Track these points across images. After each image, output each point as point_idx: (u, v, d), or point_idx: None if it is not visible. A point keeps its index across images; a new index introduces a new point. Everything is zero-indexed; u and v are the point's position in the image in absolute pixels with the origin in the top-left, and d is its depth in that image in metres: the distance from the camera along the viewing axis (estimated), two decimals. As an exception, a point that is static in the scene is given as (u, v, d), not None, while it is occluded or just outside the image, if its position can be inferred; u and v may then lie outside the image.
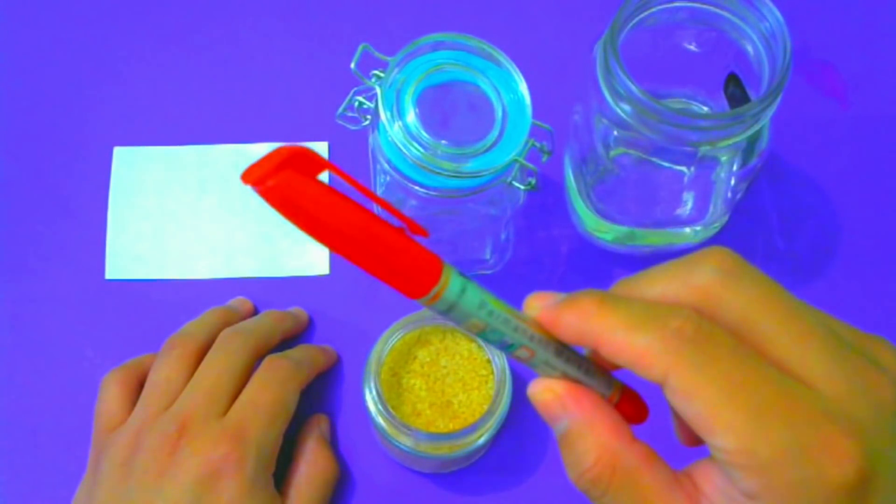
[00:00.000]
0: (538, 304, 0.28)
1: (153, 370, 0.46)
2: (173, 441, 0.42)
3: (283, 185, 0.26)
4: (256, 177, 0.26)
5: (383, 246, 0.27)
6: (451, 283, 0.27)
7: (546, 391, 0.29)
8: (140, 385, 0.47)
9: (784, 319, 0.26)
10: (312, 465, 0.47)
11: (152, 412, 0.44)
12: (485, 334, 0.28)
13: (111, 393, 0.46)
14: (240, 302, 0.52)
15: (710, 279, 0.27)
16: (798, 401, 0.25)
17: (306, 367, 0.48)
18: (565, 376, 0.29)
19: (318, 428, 0.49)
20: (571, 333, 0.28)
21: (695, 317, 0.26)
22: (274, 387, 0.45)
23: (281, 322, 0.50)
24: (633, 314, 0.26)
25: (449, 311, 0.27)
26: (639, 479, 0.28)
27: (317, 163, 0.26)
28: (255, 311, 0.52)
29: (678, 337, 0.26)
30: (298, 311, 0.52)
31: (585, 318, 0.27)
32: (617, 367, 0.29)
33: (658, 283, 0.28)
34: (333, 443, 0.50)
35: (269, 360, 0.47)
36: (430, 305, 0.27)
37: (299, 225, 0.27)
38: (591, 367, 0.29)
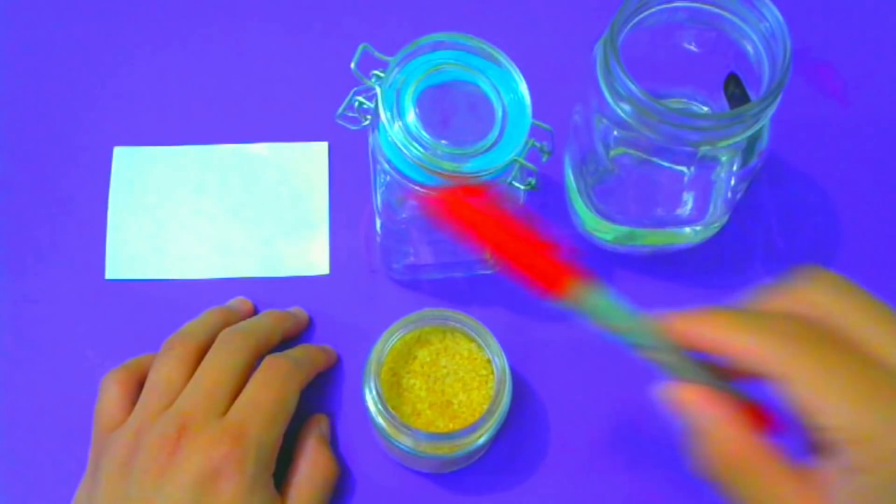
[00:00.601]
0: (672, 316, 0.33)
1: (153, 370, 0.46)
2: (173, 441, 0.42)
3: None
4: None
5: (543, 257, 0.34)
6: (597, 290, 0.34)
7: (685, 391, 0.33)
8: (140, 385, 0.47)
9: (884, 323, 0.31)
10: (312, 465, 0.47)
11: (152, 412, 0.44)
12: (625, 335, 0.34)
13: (111, 393, 0.46)
14: (240, 302, 0.52)
15: (819, 293, 0.32)
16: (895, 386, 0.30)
17: (306, 367, 0.48)
18: (696, 380, 0.34)
19: (318, 428, 0.49)
20: (701, 340, 0.32)
21: (805, 322, 0.31)
22: (274, 386, 0.45)
23: (281, 322, 0.50)
24: (755, 322, 0.31)
25: (593, 313, 0.34)
26: (767, 466, 0.32)
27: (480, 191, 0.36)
28: (255, 311, 0.52)
29: (794, 339, 0.30)
30: (298, 311, 0.52)
31: (713, 326, 0.32)
32: (741, 376, 0.33)
33: (772, 300, 0.33)
34: (333, 443, 0.50)
35: (269, 360, 0.47)
36: (578, 307, 0.34)
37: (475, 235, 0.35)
38: (717, 376, 0.34)
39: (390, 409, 0.44)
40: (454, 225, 0.35)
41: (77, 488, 0.45)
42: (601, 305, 0.34)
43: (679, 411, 0.34)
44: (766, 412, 0.34)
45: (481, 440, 0.45)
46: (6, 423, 0.51)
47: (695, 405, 0.34)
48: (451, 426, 0.45)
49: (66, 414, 0.50)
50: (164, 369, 0.46)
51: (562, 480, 0.50)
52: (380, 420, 0.44)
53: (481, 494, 0.49)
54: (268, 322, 0.49)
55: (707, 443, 0.33)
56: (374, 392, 0.44)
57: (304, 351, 0.50)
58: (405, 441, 0.44)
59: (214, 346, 0.46)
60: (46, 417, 0.51)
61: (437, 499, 0.49)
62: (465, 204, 0.35)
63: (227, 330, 0.47)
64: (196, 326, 0.48)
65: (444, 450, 0.45)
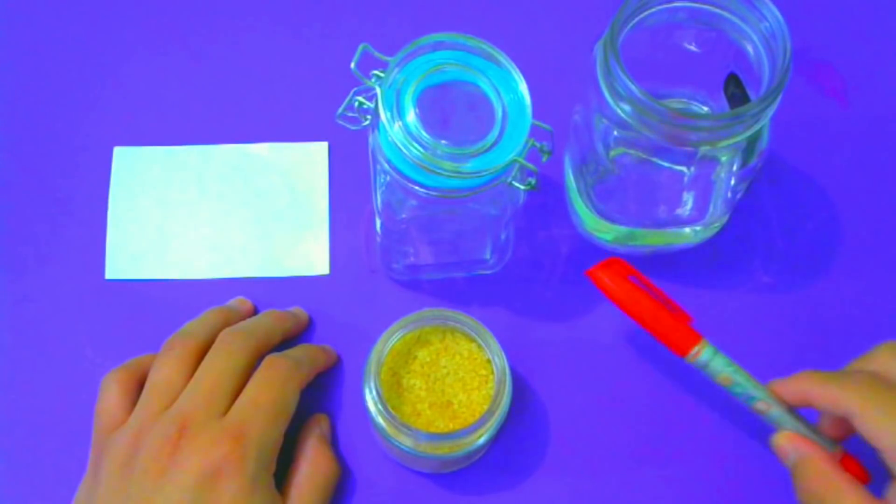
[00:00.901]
0: (777, 380, 0.44)
1: (153, 370, 0.46)
2: (174, 441, 0.42)
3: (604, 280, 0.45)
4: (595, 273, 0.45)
5: (667, 325, 0.45)
6: (706, 350, 0.44)
7: (785, 437, 0.44)
8: (140, 385, 0.47)
9: None
10: (313, 465, 0.47)
11: (152, 412, 0.44)
12: (731, 387, 0.44)
13: (111, 393, 0.46)
14: (240, 302, 0.52)
15: (886, 358, 0.42)
16: None
17: (306, 367, 0.48)
18: (796, 430, 0.44)
19: (318, 428, 0.49)
20: (798, 394, 0.43)
21: (874, 375, 0.41)
22: (274, 386, 0.45)
23: (281, 322, 0.50)
24: (836, 377, 0.42)
25: (705, 368, 0.44)
26: (846, 492, 0.40)
27: (629, 269, 0.45)
28: (255, 311, 0.52)
29: (863, 386, 0.41)
30: (298, 311, 0.52)
31: (808, 383, 0.43)
32: (841, 437, 0.44)
33: (857, 363, 0.43)
34: (333, 443, 0.50)
35: (269, 360, 0.47)
36: (692, 362, 0.44)
37: (617, 304, 0.45)
38: (816, 429, 0.44)
39: (390, 409, 0.44)
40: (606, 294, 0.45)
41: (77, 488, 0.45)
42: (720, 366, 0.44)
43: (781, 453, 0.44)
44: (859, 463, 0.44)
45: (481, 440, 0.45)
46: (6, 423, 0.51)
47: (792, 445, 0.43)
48: (451, 426, 0.45)
49: (66, 414, 0.50)
50: (165, 369, 0.46)
51: (562, 480, 0.50)
52: (380, 420, 0.44)
53: (481, 494, 0.49)
54: (268, 322, 0.49)
55: (801, 475, 0.42)
56: (374, 392, 0.44)
57: (304, 351, 0.50)
58: (405, 441, 0.44)
59: (214, 346, 0.46)
60: (46, 417, 0.51)
61: (437, 499, 0.49)
62: (615, 277, 0.45)
63: (227, 330, 0.47)
64: (196, 326, 0.48)
65: (444, 450, 0.45)
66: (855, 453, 0.44)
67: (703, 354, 0.44)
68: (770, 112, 0.42)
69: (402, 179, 0.41)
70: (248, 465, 0.42)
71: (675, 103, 0.50)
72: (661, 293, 0.46)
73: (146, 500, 0.41)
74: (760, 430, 0.47)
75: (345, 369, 0.52)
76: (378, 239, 0.51)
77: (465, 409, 0.46)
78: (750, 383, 0.44)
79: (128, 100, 0.57)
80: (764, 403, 0.44)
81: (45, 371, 0.51)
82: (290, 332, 0.51)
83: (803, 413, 0.44)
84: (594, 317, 0.52)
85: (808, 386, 0.42)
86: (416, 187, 0.41)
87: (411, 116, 0.40)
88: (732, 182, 0.48)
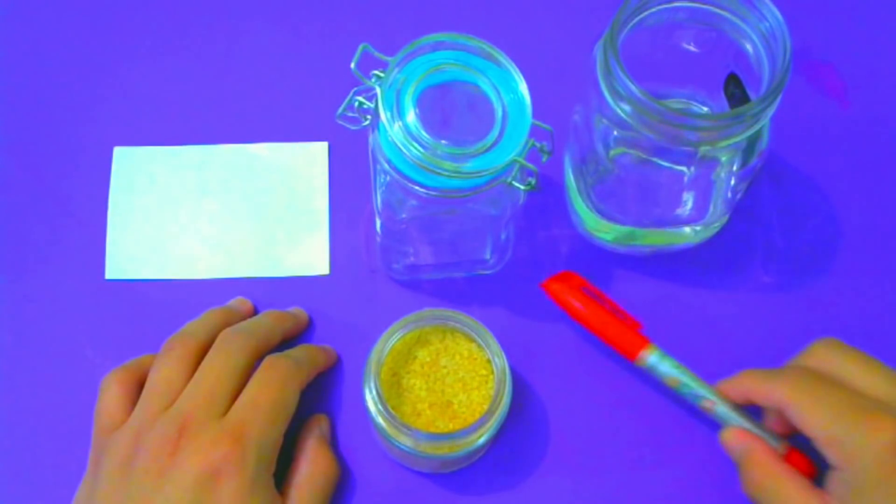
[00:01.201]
0: (719, 381, 0.47)
1: (153, 370, 0.46)
2: (174, 441, 0.42)
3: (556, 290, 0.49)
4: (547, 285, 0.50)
5: (616, 331, 0.48)
6: (653, 354, 0.48)
7: (731, 432, 0.46)
8: (140, 385, 0.47)
9: (864, 366, 0.43)
10: (313, 465, 0.47)
11: (152, 412, 0.44)
12: (679, 388, 0.47)
13: (111, 393, 0.46)
14: (240, 302, 0.52)
15: (826, 351, 0.45)
16: (862, 404, 0.42)
17: (306, 367, 0.48)
18: (742, 426, 0.46)
19: (318, 428, 0.49)
20: (736, 392, 0.46)
21: (809, 371, 0.44)
22: (274, 386, 0.45)
23: (281, 322, 0.50)
24: (774, 374, 0.45)
25: (653, 371, 0.48)
26: (785, 482, 0.44)
27: (581, 281, 0.50)
28: (255, 311, 0.52)
29: (799, 380, 0.43)
30: (298, 311, 0.52)
31: (749, 380, 0.46)
32: (787, 433, 0.46)
33: (796, 360, 0.46)
34: (333, 443, 0.50)
35: (269, 360, 0.46)
36: (642, 366, 0.48)
37: (569, 313, 0.49)
38: (761, 425, 0.46)
39: (390, 409, 0.44)
40: (559, 304, 0.49)
41: (77, 488, 0.45)
42: (668, 369, 0.47)
43: (728, 448, 0.46)
44: (806, 457, 0.46)
45: (481, 440, 0.45)
46: (6, 423, 0.51)
47: (737, 440, 0.46)
48: (451, 426, 0.45)
49: (66, 414, 0.50)
50: (165, 370, 0.46)
51: (562, 480, 0.50)
52: (380, 420, 0.44)
53: (481, 494, 0.49)
54: (268, 322, 0.49)
55: (746, 467, 0.45)
56: (374, 392, 0.44)
57: (304, 351, 0.50)
58: (405, 441, 0.44)
59: (214, 346, 0.46)
60: (46, 417, 0.51)
61: (437, 499, 0.49)
62: (567, 289, 0.49)
63: (227, 330, 0.47)
64: (196, 326, 0.48)
65: (444, 450, 0.45)
66: (806, 450, 0.45)
67: (651, 358, 0.47)
68: (770, 112, 0.42)
69: (402, 179, 0.41)
70: (248, 465, 0.42)
71: (675, 103, 0.50)
72: (612, 303, 0.49)
73: (146, 500, 0.41)
74: (760, 430, 0.47)
75: (345, 369, 0.52)
76: (378, 239, 0.51)
77: (465, 409, 0.46)
78: (696, 383, 0.47)
79: (128, 100, 0.57)
80: (709, 402, 0.47)
81: (45, 371, 0.51)
82: (290, 332, 0.51)
83: (754, 412, 0.47)
84: (594, 317, 0.52)
85: (749, 383, 0.45)
86: (416, 187, 0.41)
87: (411, 116, 0.40)
88: (732, 182, 0.48)
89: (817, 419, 0.42)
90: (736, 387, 0.46)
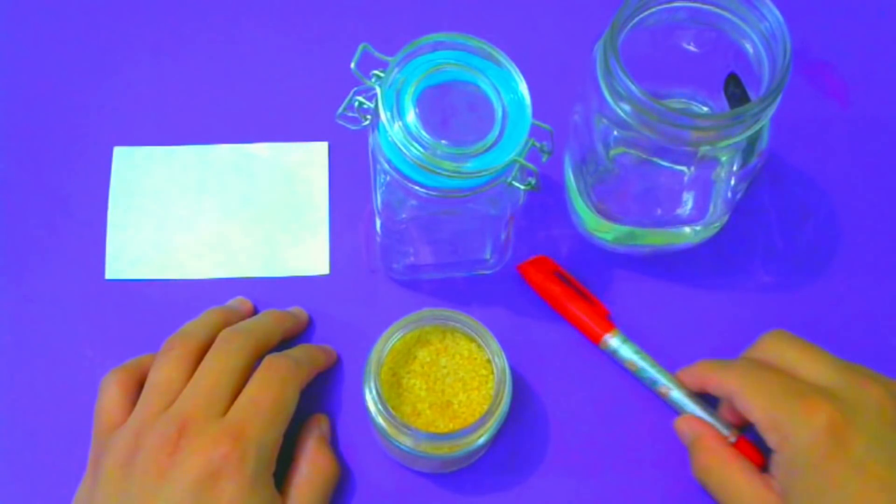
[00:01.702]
0: (679, 369, 0.49)
1: (153, 370, 0.46)
2: (173, 441, 0.42)
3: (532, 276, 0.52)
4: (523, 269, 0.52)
5: (583, 314, 0.51)
6: (616, 337, 0.50)
7: (682, 420, 0.49)
8: (140, 385, 0.47)
9: (809, 355, 0.45)
10: (313, 465, 0.47)
11: (152, 412, 0.44)
12: (638, 372, 0.50)
13: (111, 393, 0.46)
14: (240, 302, 0.52)
15: (772, 343, 0.47)
16: (800, 388, 0.44)
17: (306, 367, 0.48)
18: (694, 412, 0.48)
19: (318, 428, 0.49)
20: (692, 380, 0.48)
21: (756, 361, 0.46)
22: (274, 386, 0.45)
23: (281, 322, 0.50)
24: (722, 364, 0.47)
25: (615, 354, 0.50)
26: (731, 465, 0.46)
27: (554, 266, 0.52)
28: (255, 311, 0.52)
29: (744, 369, 0.46)
30: (298, 311, 0.52)
31: (697, 368, 0.48)
32: (739, 422, 0.48)
33: (747, 353, 0.48)
34: (333, 443, 0.50)
35: (269, 360, 0.46)
36: (605, 349, 0.51)
37: (541, 295, 0.52)
38: (714, 413, 0.48)
39: (390, 409, 0.44)
40: (533, 286, 0.52)
41: (77, 489, 0.45)
42: (628, 354, 0.50)
43: (680, 434, 0.48)
44: (755, 447, 0.47)
45: (481, 440, 0.45)
46: (6, 423, 0.51)
47: (689, 426, 0.48)
48: (451, 426, 0.45)
49: (66, 414, 0.50)
50: (165, 370, 0.46)
51: (562, 480, 0.50)
52: (380, 420, 0.44)
53: (481, 494, 0.49)
54: (268, 322, 0.49)
55: (695, 452, 0.47)
56: (374, 392, 0.44)
57: (304, 351, 0.50)
58: (405, 441, 0.44)
59: (214, 346, 0.46)
60: (46, 417, 0.51)
61: (437, 499, 0.49)
62: (540, 272, 0.52)
63: (227, 330, 0.47)
64: (196, 326, 0.48)
65: (444, 450, 0.45)
66: (757, 442, 0.46)
67: (613, 341, 0.50)
68: (770, 112, 0.42)
69: (402, 179, 0.41)
70: (248, 465, 0.42)
71: (675, 103, 0.50)
72: (583, 288, 0.52)
73: (146, 500, 0.41)
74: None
75: (345, 369, 0.52)
76: (378, 239, 0.51)
77: (465, 409, 0.46)
78: (654, 369, 0.49)
79: (128, 100, 0.57)
80: (665, 388, 0.49)
81: (45, 371, 0.51)
82: (290, 332, 0.51)
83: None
84: (594, 317, 0.52)
85: (703, 372, 0.47)
86: (416, 187, 0.41)
87: (411, 116, 0.40)
88: (732, 182, 0.48)
89: (758, 403, 0.43)
90: (692, 375, 0.48)
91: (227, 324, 0.49)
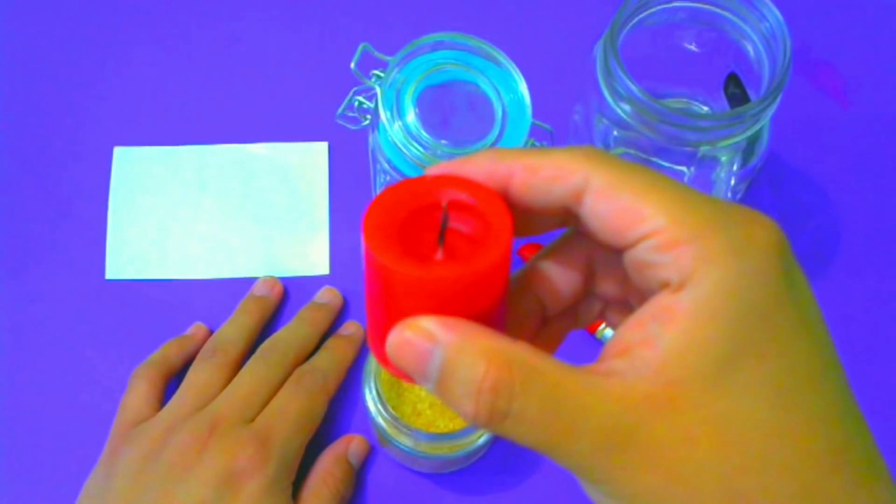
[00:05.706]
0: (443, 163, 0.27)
1: (192, 372, 0.48)
2: (203, 439, 0.44)
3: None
4: None
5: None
6: (609, 328, 0.45)
7: (407, 329, 0.25)
8: (166, 382, 0.49)
9: (629, 174, 0.25)
10: (322, 481, 0.47)
11: (186, 411, 0.45)
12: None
13: (140, 390, 0.48)
14: (270, 286, 0.52)
15: (581, 154, 0.25)
16: (710, 196, 0.25)
17: (333, 379, 0.49)
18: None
19: (345, 445, 0.49)
20: (482, 171, 0.26)
21: (586, 146, 0.26)
22: (302, 398, 0.47)
23: (317, 329, 0.51)
24: (537, 150, 0.26)
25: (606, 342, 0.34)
26: (542, 369, 0.25)
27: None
28: (285, 293, 0.53)
29: (592, 151, 0.25)
30: (332, 298, 0.52)
31: (494, 155, 0.26)
32: (527, 210, 0.28)
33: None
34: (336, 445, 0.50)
35: (298, 373, 0.48)
36: (599, 338, 0.48)
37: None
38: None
39: (390, 409, 0.44)
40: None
41: (77, 488, 0.45)
42: None
43: (409, 362, 0.26)
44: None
45: (481, 440, 0.45)
46: (6, 423, 0.51)
47: (427, 337, 0.25)
48: (451, 426, 0.45)
49: (67, 414, 0.50)
50: (204, 374, 0.47)
51: (561, 480, 0.50)
52: (380, 420, 0.44)
53: (481, 494, 0.49)
54: (306, 335, 0.50)
55: (460, 372, 0.25)
56: (374, 392, 0.44)
57: (332, 359, 0.50)
58: (405, 441, 0.44)
59: (255, 356, 0.48)
60: (46, 417, 0.51)
61: (437, 499, 0.49)
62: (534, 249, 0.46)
63: (268, 344, 0.49)
64: (234, 334, 0.49)
65: (444, 450, 0.45)
66: None
67: (608, 332, 0.49)
68: (770, 112, 0.42)
69: (403, 179, 0.41)
70: (269, 469, 0.43)
71: (675, 103, 0.50)
72: None
73: (166, 490, 0.42)
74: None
75: (345, 369, 0.52)
76: (378, 239, 0.51)
77: (465, 409, 0.46)
78: None
79: (128, 100, 0.57)
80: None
81: (45, 371, 0.51)
82: (326, 330, 0.51)
83: None
84: (594, 317, 0.52)
85: (509, 158, 0.26)
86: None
87: (411, 116, 0.40)
88: (732, 182, 0.48)
89: (655, 202, 0.24)
90: (478, 159, 0.26)
91: (262, 320, 0.51)
